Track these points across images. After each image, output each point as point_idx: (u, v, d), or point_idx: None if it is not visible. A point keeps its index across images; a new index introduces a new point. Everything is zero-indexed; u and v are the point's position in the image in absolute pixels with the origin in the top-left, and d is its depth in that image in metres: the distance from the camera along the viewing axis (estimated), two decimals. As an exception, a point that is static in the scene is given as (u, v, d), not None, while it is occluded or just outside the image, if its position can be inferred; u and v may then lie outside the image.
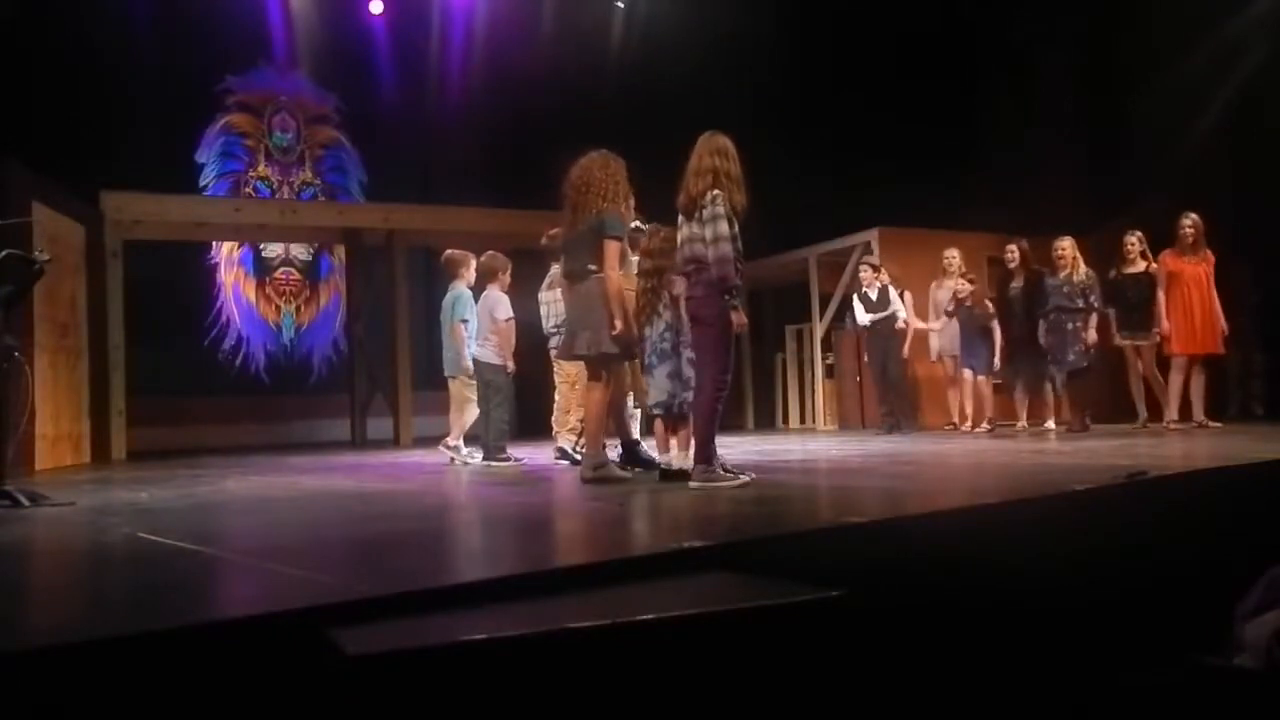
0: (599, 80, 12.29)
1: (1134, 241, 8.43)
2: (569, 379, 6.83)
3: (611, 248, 4.97)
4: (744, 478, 4.60)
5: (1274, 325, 9.48)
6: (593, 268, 5.02)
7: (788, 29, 11.70)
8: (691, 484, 4.57)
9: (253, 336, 12.89)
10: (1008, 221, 10.18)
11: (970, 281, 9.30)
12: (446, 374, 7.37)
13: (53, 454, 7.97)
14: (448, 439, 7.37)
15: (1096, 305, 8.47)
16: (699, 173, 4.63)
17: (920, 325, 9.71)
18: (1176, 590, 3.32)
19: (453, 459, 7.19)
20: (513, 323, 6.94)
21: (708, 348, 4.68)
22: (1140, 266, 8.40)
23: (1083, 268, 8.57)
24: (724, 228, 4.49)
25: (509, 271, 7.14)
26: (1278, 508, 4.03)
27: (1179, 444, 6.52)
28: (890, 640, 2.63)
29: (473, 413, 7.20)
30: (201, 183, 12.50)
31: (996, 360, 9.08)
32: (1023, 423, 9.02)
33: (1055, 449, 6.47)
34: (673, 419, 5.16)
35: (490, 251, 7.32)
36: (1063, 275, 8.56)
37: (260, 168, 13.00)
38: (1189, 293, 8.11)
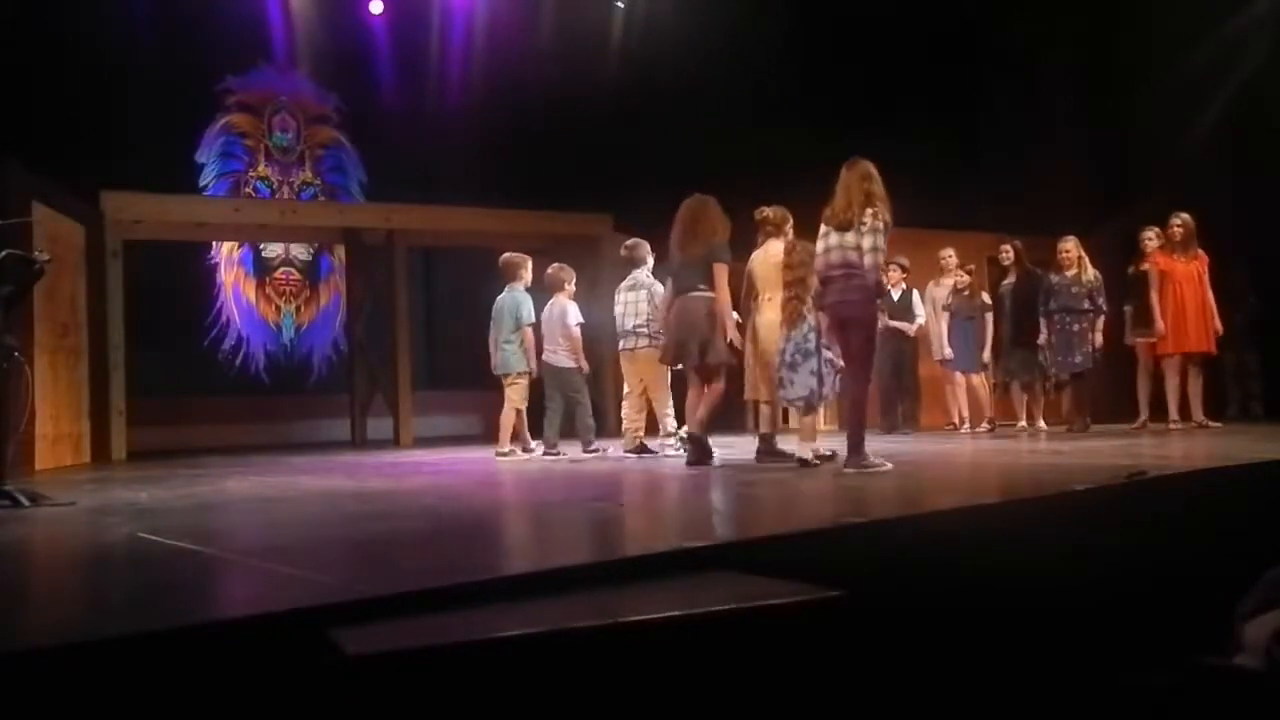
0: (599, 80, 12.26)
1: (1150, 238, 8.36)
2: (638, 381, 7.27)
3: (720, 270, 5.97)
4: (888, 465, 5.11)
5: (1272, 325, 9.47)
6: (702, 287, 5.98)
7: (788, 29, 11.68)
8: (847, 469, 5.09)
9: (253, 336, 12.85)
10: (1007, 221, 10.16)
11: (968, 273, 9.27)
12: (500, 373, 7.55)
13: (53, 454, 7.96)
14: (503, 447, 7.53)
15: (1105, 308, 8.42)
16: (854, 197, 5.15)
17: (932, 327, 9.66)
18: (1176, 590, 3.33)
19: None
20: (580, 327, 7.39)
21: (861, 347, 5.30)
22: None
23: (1090, 269, 8.50)
24: (882, 240, 5.08)
25: (574, 280, 7.63)
26: (1278, 508, 4.03)
27: (1179, 444, 6.53)
28: (890, 640, 2.63)
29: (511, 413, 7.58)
30: (201, 183, 12.46)
31: (986, 353, 9.02)
32: (1023, 422, 8.99)
33: (1055, 449, 6.46)
34: (811, 412, 5.67)
35: (557, 263, 7.78)
36: (1069, 275, 8.47)
37: (260, 168, 12.97)
38: (1181, 291, 8.08)
